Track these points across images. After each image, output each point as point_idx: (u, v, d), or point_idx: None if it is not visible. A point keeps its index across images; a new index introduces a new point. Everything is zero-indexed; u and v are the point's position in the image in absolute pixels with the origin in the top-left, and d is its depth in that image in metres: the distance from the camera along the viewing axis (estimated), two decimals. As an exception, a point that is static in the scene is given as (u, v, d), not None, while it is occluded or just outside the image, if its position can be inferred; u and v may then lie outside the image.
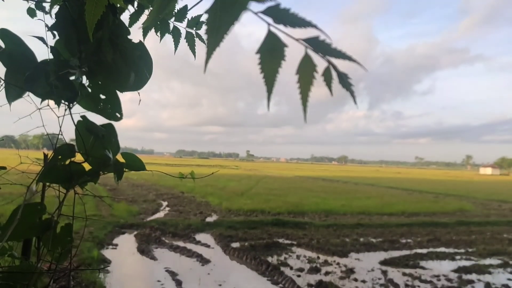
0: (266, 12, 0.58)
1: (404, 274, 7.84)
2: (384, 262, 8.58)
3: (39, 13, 2.02)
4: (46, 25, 1.68)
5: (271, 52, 0.61)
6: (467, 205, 18.96)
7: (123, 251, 8.74)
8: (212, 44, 0.57)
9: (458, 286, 7.25)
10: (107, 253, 8.38)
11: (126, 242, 9.45)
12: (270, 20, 0.59)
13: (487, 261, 8.98)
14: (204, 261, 8.13)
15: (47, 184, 2.02)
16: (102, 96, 1.88)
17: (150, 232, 10.25)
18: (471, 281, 7.53)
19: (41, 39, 1.68)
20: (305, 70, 0.62)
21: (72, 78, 1.77)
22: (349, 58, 0.60)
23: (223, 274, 7.50)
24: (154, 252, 8.64)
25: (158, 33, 1.88)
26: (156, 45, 1.89)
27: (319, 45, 0.61)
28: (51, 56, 1.75)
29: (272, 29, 0.59)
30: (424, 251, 9.70)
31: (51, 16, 1.74)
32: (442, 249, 9.96)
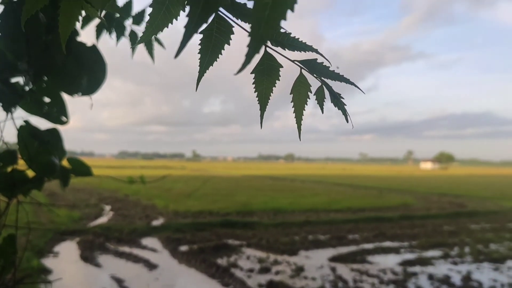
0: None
1: (352, 269, 7.97)
2: (332, 259, 8.68)
3: None
4: None
5: (266, 73, 0.62)
6: (410, 200, 19.68)
7: (65, 259, 8.34)
8: (206, 64, 0.58)
9: (403, 278, 7.45)
10: (48, 262, 7.97)
11: (68, 249, 9.03)
12: (268, 42, 0.60)
13: (430, 253, 9.30)
14: (151, 266, 7.89)
15: None
16: (47, 99, 1.81)
17: (93, 238, 9.84)
18: (415, 273, 7.76)
19: None
20: (300, 90, 0.65)
21: (14, 80, 1.69)
22: (346, 80, 0.62)
23: (172, 279, 7.31)
24: (99, 259, 8.30)
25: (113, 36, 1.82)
26: (94, 39, 1.79)
27: (315, 67, 0.62)
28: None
29: (269, 49, 0.61)
30: (370, 246, 9.91)
31: None
32: (388, 244, 10.22)
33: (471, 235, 11.42)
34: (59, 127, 1.94)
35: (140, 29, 1.82)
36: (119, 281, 6.96)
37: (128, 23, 1.80)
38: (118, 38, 1.80)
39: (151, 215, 13.74)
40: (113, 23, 1.75)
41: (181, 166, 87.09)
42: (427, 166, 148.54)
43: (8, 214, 1.92)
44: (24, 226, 2.27)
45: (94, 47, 1.72)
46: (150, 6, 0.57)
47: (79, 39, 1.67)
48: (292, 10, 0.37)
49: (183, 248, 9.27)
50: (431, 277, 7.54)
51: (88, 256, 8.40)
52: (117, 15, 1.75)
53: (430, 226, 12.72)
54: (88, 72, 1.72)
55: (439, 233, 11.64)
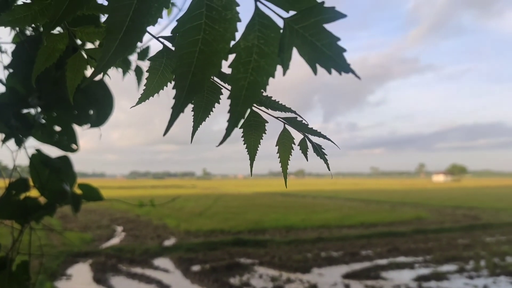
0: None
1: (366, 286, 7.87)
2: (346, 276, 8.59)
3: None
4: (4, 66, 1.66)
5: (253, 127, 0.69)
6: (423, 213, 19.46)
7: (78, 281, 8.34)
8: (199, 120, 0.63)
9: (419, 295, 7.35)
10: (61, 284, 7.97)
11: (81, 271, 9.03)
12: None
13: (444, 268, 9.16)
14: (164, 287, 7.87)
15: (0, 220, 1.95)
16: (58, 128, 1.85)
17: (106, 259, 9.85)
18: (431, 289, 7.65)
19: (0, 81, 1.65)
20: (284, 142, 0.72)
21: (26, 111, 1.73)
22: (323, 136, 0.68)
23: (184, 300, 7.28)
24: (111, 281, 8.29)
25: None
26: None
27: (296, 124, 0.68)
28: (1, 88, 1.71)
29: (254, 108, 0.68)
30: (384, 261, 9.80)
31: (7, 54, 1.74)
32: (402, 259, 10.10)
33: (486, 248, 11.24)
34: (69, 153, 1.98)
35: (145, 64, 1.89)
36: (132, 303, 6.94)
37: (133, 58, 1.86)
38: (124, 73, 1.85)
39: (162, 235, 13.71)
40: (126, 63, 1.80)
41: (191, 185, 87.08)
42: (439, 178, 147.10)
43: (21, 240, 1.94)
44: (37, 252, 2.29)
45: (102, 82, 1.77)
46: (147, 71, 0.63)
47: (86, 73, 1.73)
48: (265, 90, 0.43)
49: (195, 268, 9.23)
50: (447, 292, 7.43)
51: (100, 278, 8.39)
52: None
53: (444, 240, 12.56)
54: (96, 106, 1.76)
55: (454, 247, 11.48)
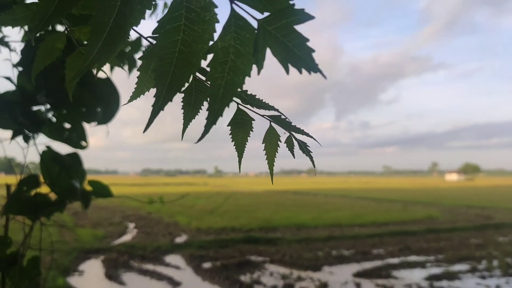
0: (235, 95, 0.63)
1: (377, 285, 7.84)
2: (357, 274, 8.57)
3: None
4: (13, 64, 1.70)
5: (240, 125, 0.71)
6: (435, 212, 19.30)
7: (90, 277, 8.43)
8: (189, 117, 0.64)
9: (430, 294, 7.30)
10: (73, 280, 8.06)
11: (93, 268, 9.13)
12: (238, 100, 0.70)
13: (456, 267, 9.09)
14: (175, 283, 7.91)
15: (11, 216, 1.98)
16: (67, 126, 1.88)
17: (118, 256, 9.94)
18: (442, 289, 7.60)
19: (9, 79, 1.69)
20: (270, 139, 0.73)
21: (36, 108, 1.75)
22: (306, 134, 0.70)
23: (194, 297, 7.32)
24: (123, 277, 8.36)
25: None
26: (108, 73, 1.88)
27: (280, 122, 0.71)
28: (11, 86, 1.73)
29: (241, 107, 0.70)
30: (395, 260, 9.75)
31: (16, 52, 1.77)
32: (413, 258, 10.04)
33: (499, 248, 11.12)
34: (79, 150, 2.00)
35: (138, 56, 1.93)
36: (143, 299, 7.00)
37: (138, 56, 1.89)
38: (130, 71, 1.88)
39: (174, 232, 13.79)
40: (125, 57, 1.82)
41: (203, 182, 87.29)
42: (452, 177, 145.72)
43: (32, 235, 1.97)
44: (48, 247, 2.32)
45: (108, 80, 1.79)
46: (137, 70, 0.66)
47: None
48: (241, 88, 0.44)
49: (206, 265, 9.27)
50: (458, 292, 7.38)
51: (112, 274, 8.47)
52: (128, 49, 1.83)
53: (456, 239, 12.45)
54: (102, 103, 1.79)
55: (466, 246, 11.38)
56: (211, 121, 0.42)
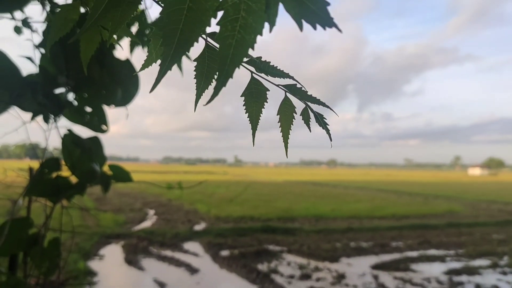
0: (249, 62, 0.65)
1: (395, 277, 7.78)
2: (375, 266, 8.51)
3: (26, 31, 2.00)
4: (34, 44, 1.69)
5: (254, 95, 0.68)
6: (457, 207, 19.03)
7: (110, 262, 8.56)
8: (202, 88, 0.61)
9: (449, 288, 7.21)
10: (94, 264, 8.20)
11: (113, 252, 9.27)
12: (252, 69, 0.66)
13: (477, 262, 8.95)
14: (193, 270, 7.98)
15: (33, 197, 2.01)
16: (88, 109, 1.90)
17: (137, 242, 10.07)
18: (461, 283, 7.48)
19: (30, 59, 1.71)
20: (285, 111, 0.70)
21: (58, 91, 1.76)
22: (322, 103, 0.67)
23: (213, 283, 7.37)
24: (142, 263, 8.47)
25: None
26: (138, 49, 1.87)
27: (296, 91, 0.68)
28: (36, 70, 1.74)
29: (255, 75, 0.66)
30: (414, 253, 9.65)
31: (38, 33, 1.79)
32: (433, 252, 9.92)
33: (522, 244, 10.92)
34: (100, 135, 2.01)
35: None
36: (161, 284, 7.08)
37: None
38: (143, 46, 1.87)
39: (193, 219, 13.90)
40: (145, 38, 1.82)
41: (223, 171, 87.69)
42: (475, 172, 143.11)
43: (55, 219, 1.99)
44: (69, 230, 2.35)
45: (127, 61, 1.79)
46: (149, 37, 0.64)
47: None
48: (253, 48, 0.42)
49: (224, 253, 9.32)
50: (478, 287, 7.26)
51: (132, 259, 8.59)
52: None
53: (478, 234, 12.25)
54: (122, 85, 1.78)
55: (488, 242, 11.19)
56: (221, 82, 0.40)
